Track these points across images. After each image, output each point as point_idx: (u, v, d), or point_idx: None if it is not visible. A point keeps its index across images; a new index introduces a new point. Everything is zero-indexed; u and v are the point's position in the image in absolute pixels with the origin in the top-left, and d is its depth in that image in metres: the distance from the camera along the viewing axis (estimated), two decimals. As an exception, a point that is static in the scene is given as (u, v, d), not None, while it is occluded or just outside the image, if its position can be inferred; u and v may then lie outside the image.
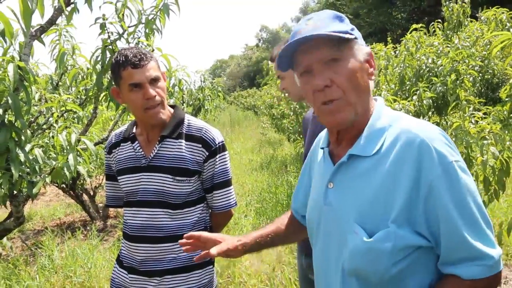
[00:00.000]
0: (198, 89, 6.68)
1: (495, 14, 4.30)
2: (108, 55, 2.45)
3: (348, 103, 1.02)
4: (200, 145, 1.65)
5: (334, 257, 1.06)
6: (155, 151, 1.65)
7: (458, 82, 3.76)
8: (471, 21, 4.77)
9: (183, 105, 6.78)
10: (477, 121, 3.00)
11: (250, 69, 57.09)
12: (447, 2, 5.10)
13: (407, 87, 4.17)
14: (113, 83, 1.66)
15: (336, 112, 1.02)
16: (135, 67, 1.54)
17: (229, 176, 1.76)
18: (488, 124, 2.89)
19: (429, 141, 0.94)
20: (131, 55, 1.55)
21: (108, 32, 2.48)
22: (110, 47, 2.46)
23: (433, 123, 4.22)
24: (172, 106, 1.76)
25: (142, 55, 1.56)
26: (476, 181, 2.89)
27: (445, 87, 3.80)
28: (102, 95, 3.06)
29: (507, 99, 3.38)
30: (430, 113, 3.96)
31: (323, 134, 1.25)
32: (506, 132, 3.06)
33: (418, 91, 3.67)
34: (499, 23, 4.25)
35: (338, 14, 1.07)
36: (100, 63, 2.54)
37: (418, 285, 0.97)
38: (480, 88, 4.37)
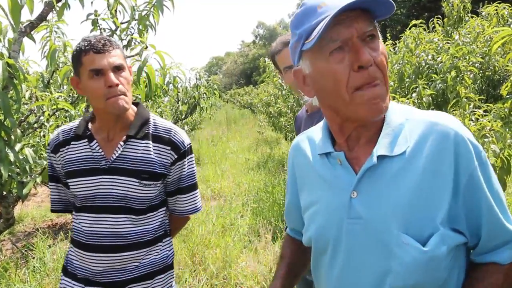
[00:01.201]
0: (193, 87, 6.60)
1: (496, 10, 4.25)
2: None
3: (387, 88, 0.90)
4: (169, 148, 1.55)
5: (371, 276, 0.93)
6: (119, 152, 1.51)
7: (458, 79, 3.70)
8: (472, 17, 4.72)
9: (178, 103, 6.71)
10: (477, 119, 2.95)
11: (246, 67, 57.00)
12: (447, -2, 5.05)
13: (406, 84, 4.11)
14: (73, 72, 1.51)
15: (380, 98, 0.88)
16: (97, 52, 1.42)
17: (195, 179, 1.69)
18: (489, 121, 2.84)
19: (462, 132, 0.90)
20: (94, 40, 1.44)
21: (100, 29, 2.40)
22: (102, 43, 2.39)
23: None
24: (135, 104, 1.63)
25: (106, 41, 1.45)
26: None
27: (445, 84, 3.74)
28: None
29: (508, 96, 3.34)
30: (430, 110, 3.91)
31: (314, 137, 1.13)
32: (507, 129, 3.01)
33: (418, 88, 3.61)
34: (500, 18, 4.20)
35: None
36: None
37: (458, 282, 0.95)
38: (481, 85, 4.31)
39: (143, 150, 1.52)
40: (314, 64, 0.93)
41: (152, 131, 1.56)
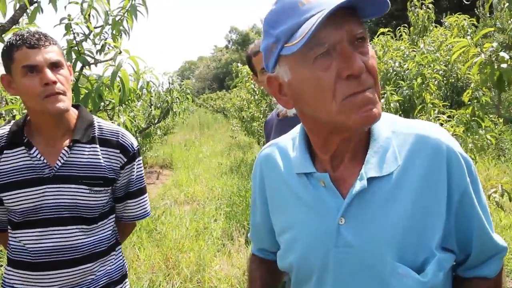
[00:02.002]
0: (166, 91, 6.59)
1: (456, 21, 4.46)
2: (74, 56, 2.37)
3: (378, 95, 0.79)
4: (118, 151, 1.45)
5: None
6: (65, 159, 1.37)
7: (423, 85, 3.85)
8: (436, 27, 4.93)
9: (151, 107, 6.68)
10: (441, 124, 3.09)
11: (219, 71, 56.96)
12: (413, 8, 5.25)
13: (375, 91, 4.24)
14: (5, 70, 1.35)
15: (372, 104, 0.76)
16: (31, 47, 1.27)
17: (144, 183, 1.60)
18: (452, 126, 2.98)
19: (453, 147, 0.83)
20: (28, 34, 1.29)
21: (73, 33, 2.40)
22: (76, 48, 2.39)
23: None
24: (75, 106, 1.49)
25: (42, 36, 1.30)
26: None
27: (411, 90, 3.89)
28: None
29: (469, 103, 3.50)
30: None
31: (287, 150, 0.99)
32: (468, 134, 3.16)
33: (386, 94, 3.74)
34: (461, 29, 4.41)
35: None
36: (65, 64, 2.46)
37: None
38: (446, 91, 4.50)
39: (90, 155, 1.41)
40: (295, 71, 0.80)
41: (98, 135, 1.45)
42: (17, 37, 1.29)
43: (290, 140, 1.01)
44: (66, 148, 1.39)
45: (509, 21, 2.51)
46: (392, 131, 0.87)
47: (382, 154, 0.84)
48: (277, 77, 0.85)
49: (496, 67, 1.79)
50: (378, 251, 0.81)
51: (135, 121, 5.87)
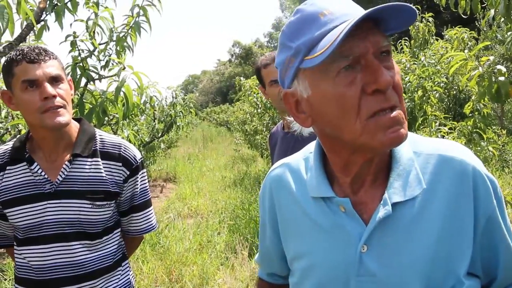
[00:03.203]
0: (169, 105, 6.65)
1: (457, 34, 4.51)
2: (79, 72, 2.42)
3: (404, 113, 0.73)
4: (120, 164, 1.43)
5: None
6: (65, 173, 1.36)
7: (424, 98, 3.88)
8: (437, 39, 4.98)
9: (154, 121, 6.73)
10: (443, 136, 3.11)
11: (222, 85, 57.22)
12: (413, 21, 5.29)
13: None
14: (5, 86, 1.36)
15: (399, 125, 0.71)
16: (31, 61, 1.27)
17: (149, 196, 1.58)
18: (453, 139, 2.99)
19: (479, 168, 0.78)
20: (28, 49, 1.29)
21: (78, 50, 2.45)
22: (81, 64, 2.44)
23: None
24: (77, 120, 1.49)
25: (42, 50, 1.31)
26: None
27: (413, 103, 3.91)
28: (72, 111, 3.01)
29: (470, 115, 3.52)
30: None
31: (299, 170, 0.94)
32: (471, 146, 3.18)
33: (388, 107, 3.76)
34: (461, 42, 4.45)
35: None
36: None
37: None
38: (448, 103, 4.53)
39: (92, 168, 1.39)
40: (316, 86, 0.75)
41: (100, 148, 1.43)
42: (17, 52, 1.29)
43: (302, 161, 0.95)
44: (67, 162, 1.37)
45: (507, 34, 2.54)
46: (414, 152, 0.82)
47: (405, 177, 0.79)
48: (294, 93, 0.80)
49: (493, 80, 1.82)
50: (404, 280, 0.77)
51: (139, 135, 5.91)
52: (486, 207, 0.77)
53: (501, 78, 1.80)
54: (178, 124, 7.11)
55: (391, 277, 0.77)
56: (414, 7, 0.70)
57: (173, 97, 6.67)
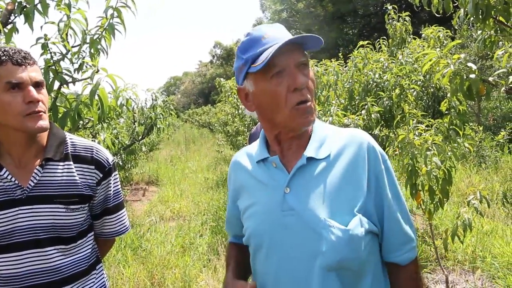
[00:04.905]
0: (149, 107, 6.58)
1: (433, 32, 4.57)
2: (51, 75, 2.37)
3: (314, 105, 1.12)
4: (93, 167, 1.43)
5: (306, 259, 1.08)
6: (37, 178, 1.34)
7: (402, 96, 3.92)
8: (414, 38, 5.03)
9: (134, 124, 6.65)
10: (420, 133, 3.14)
11: (204, 86, 57.03)
12: (390, 20, 5.36)
13: (356, 102, 4.30)
14: None
15: (309, 113, 1.09)
16: (17, 64, 1.27)
17: (122, 198, 1.59)
18: (430, 136, 3.02)
19: (373, 144, 1.14)
20: (13, 51, 1.29)
21: (50, 52, 2.40)
22: (53, 67, 2.39)
23: (382, 136, 4.35)
24: None
25: (27, 54, 1.31)
26: (422, 191, 3.02)
27: (391, 101, 3.95)
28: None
29: (447, 112, 3.58)
30: (379, 126, 4.11)
31: (251, 151, 1.28)
32: (447, 143, 3.22)
33: (366, 106, 3.79)
34: (437, 40, 4.51)
35: None
36: (43, 83, 2.45)
37: (377, 264, 1.14)
38: (427, 101, 4.58)
39: (64, 172, 1.38)
40: (258, 84, 1.11)
41: (71, 151, 1.43)
42: (2, 52, 1.28)
43: (256, 145, 1.28)
44: (38, 167, 1.35)
45: (477, 33, 2.58)
46: (327, 132, 1.19)
47: (319, 144, 1.15)
48: (244, 89, 1.17)
49: (465, 77, 1.84)
50: (314, 211, 1.07)
51: (118, 138, 5.84)
52: (375, 168, 1.12)
53: (472, 76, 1.83)
54: (158, 126, 7.04)
55: (305, 210, 1.08)
56: (319, 37, 1.06)
57: (153, 99, 6.60)
